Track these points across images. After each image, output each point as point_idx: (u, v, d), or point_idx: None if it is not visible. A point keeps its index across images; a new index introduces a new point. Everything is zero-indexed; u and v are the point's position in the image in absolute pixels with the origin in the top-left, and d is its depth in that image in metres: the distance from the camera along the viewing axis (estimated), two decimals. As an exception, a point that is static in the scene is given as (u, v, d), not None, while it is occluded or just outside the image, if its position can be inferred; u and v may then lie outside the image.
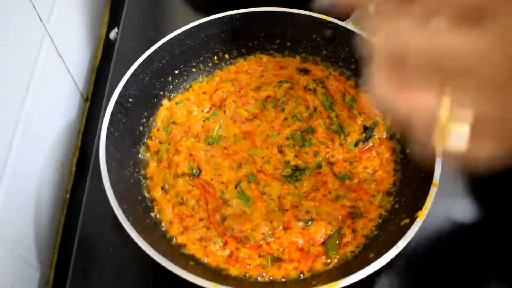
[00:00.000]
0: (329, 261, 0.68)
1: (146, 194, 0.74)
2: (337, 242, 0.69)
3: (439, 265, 0.71)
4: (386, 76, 0.40)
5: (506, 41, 0.34)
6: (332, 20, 0.82)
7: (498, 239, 0.73)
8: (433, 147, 0.40)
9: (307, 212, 0.71)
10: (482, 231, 0.74)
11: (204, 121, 0.81)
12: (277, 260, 0.68)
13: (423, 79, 0.38)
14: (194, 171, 0.76)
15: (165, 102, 0.83)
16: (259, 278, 0.67)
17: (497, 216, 0.75)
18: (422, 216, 0.62)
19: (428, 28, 0.38)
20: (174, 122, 0.81)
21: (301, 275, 0.67)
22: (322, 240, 0.69)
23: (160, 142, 0.80)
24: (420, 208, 0.63)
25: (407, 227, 0.62)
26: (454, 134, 0.38)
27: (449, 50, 0.36)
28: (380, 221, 0.71)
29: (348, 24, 0.81)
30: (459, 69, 0.36)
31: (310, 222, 0.70)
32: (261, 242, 0.69)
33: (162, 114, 0.82)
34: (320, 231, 0.70)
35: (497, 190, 0.77)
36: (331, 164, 0.77)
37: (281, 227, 0.70)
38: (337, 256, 0.68)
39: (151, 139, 0.80)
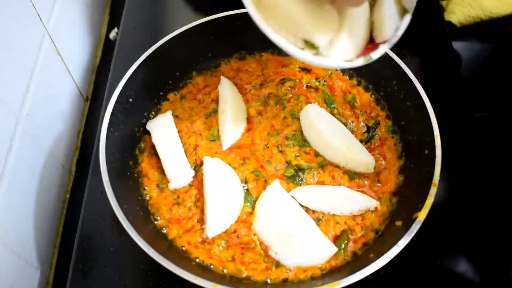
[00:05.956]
0: (336, 260, 0.67)
1: (143, 193, 0.74)
2: (346, 242, 0.68)
3: (438, 264, 0.71)
4: None
5: None
6: None
7: (497, 238, 0.73)
8: None
9: (314, 212, 0.71)
10: (482, 231, 0.75)
11: (206, 117, 0.80)
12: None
13: None
14: (195, 168, 0.75)
15: (171, 96, 0.83)
16: (254, 279, 0.66)
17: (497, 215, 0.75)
18: (422, 216, 0.62)
19: None
20: (177, 116, 0.81)
21: (306, 276, 0.66)
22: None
23: None
24: (420, 208, 0.63)
25: (407, 227, 0.62)
26: None
27: None
28: (387, 219, 0.71)
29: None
30: None
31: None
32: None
33: (164, 109, 0.82)
34: (329, 232, 0.69)
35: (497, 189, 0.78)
36: (336, 165, 0.76)
37: None
38: (345, 256, 0.67)
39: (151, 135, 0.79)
